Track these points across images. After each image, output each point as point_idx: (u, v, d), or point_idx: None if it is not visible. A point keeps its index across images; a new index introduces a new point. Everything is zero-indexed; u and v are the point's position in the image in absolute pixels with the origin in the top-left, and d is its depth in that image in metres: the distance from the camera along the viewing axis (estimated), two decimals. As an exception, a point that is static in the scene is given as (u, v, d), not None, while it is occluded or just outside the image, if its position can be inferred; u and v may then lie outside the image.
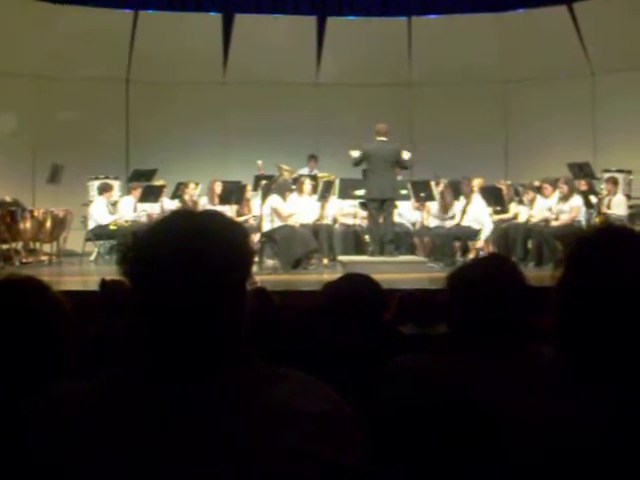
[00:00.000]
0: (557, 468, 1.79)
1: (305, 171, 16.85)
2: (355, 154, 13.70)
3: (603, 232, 2.00)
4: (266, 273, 12.79)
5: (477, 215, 14.51)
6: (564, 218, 14.05)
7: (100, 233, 15.07)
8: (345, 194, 15.03)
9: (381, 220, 13.64)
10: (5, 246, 14.22)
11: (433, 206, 15.18)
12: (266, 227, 13.90)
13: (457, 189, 15.02)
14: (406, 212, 15.40)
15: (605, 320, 1.82)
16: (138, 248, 1.71)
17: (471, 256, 14.43)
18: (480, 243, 14.54)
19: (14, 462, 1.70)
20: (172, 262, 1.64)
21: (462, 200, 14.85)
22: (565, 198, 14.13)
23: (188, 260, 1.64)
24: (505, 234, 14.53)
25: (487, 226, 14.52)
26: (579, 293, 1.88)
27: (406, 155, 13.73)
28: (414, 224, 15.55)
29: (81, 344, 2.50)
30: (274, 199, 14.08)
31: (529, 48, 18.72)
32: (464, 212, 14.56)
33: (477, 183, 15.27)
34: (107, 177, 16.30)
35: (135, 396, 1.66)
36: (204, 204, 14.98)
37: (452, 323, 3.05)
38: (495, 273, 2.93)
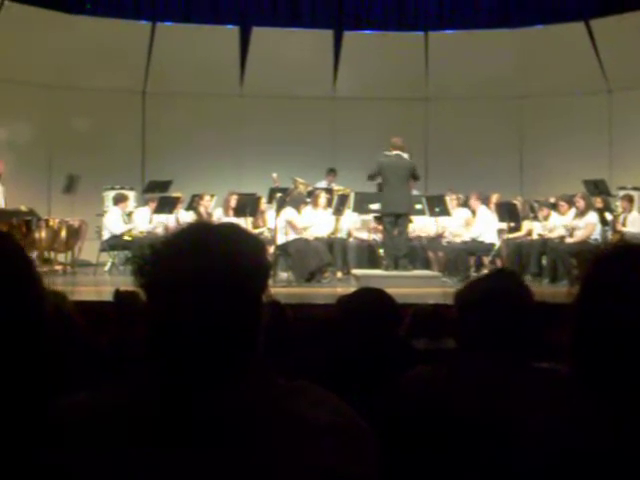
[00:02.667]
0: None
1: (323, 184, 16.83)
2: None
3: (620, 249, 2.00)
4: (280, 286, 12.78)
5: (482, 229, 14.62)
6: (579, 235, 14.03)
7: (115, 244, 15.11)
8: (360, 208, 15.07)
9: (396, 234, 13.64)
10: (20, 255, 14.24)
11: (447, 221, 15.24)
12: (280, 240, 13.91)
13: (466, 203, 15.27)
14: (420, 226, 15.41)
15: (621, 338, 1.82)
16: (154, 260, 1.70)
17: (485, 271, 14.46)
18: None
19: (26, 475, 1.69)
20: (189, 275, 1.63)
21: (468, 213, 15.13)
22: (581, 214, 14.11)
23: (205, 273, 1.63)
24: (519, 250, 14.52)
25: (491, 240, 14.64)
26: (595, 310, 1.87)
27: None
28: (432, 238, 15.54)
29: (89, 353, 2.50)
30: (289, 212, 14.11)
31: (546, 64, 18.71)
32: (467, 224, 14.75)
33: (494, 199, 15.36)
34: (122, 188, 16.34)
35: (148, 409, 1.65)
36: (219, 216, 15.01)
37: (459, 338, 3.06)
38: (502, 288, 2.94)
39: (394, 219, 13.61)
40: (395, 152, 13.56)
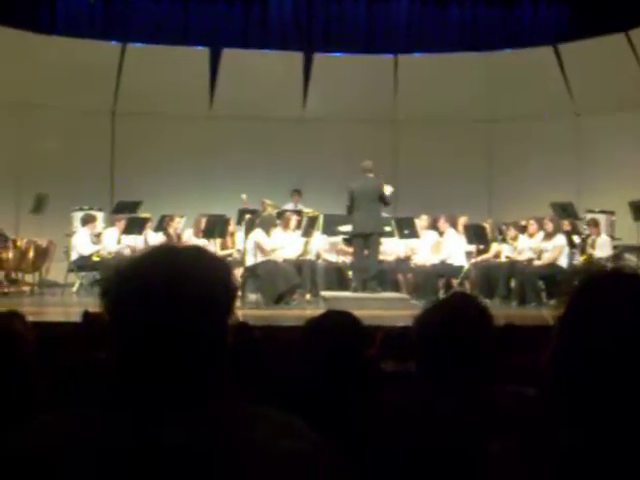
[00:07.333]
0: None
1: (290, 206, 16.84)
2: (388, 190, 13.88)
3: (612, 274, 1.89)
4: (248, 308, 12.77)
5: (451, 252, 14.75)
6: (547, 257, 14.11)
7: (83, 264, 15.01)
8: (329, 230, 15.08)
9: (366, 254, 13.75)
10: (-13, 275, 14.18)
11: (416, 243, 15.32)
12: (249, 261, 13.90)
13: (434, 225, 15.43)
14: (389, 248, 15.44)
15: (606, 367, 1.70)
16: (119, 282, 1.69)
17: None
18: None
19: None
20: (153, 297, 1.62)
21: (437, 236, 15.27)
22: (549, 237, 14.20)
23: (169, 296, 1.62)
24: (487, 273, 14.58)
25: (459, 263, 14.75)
26: (581, 334, 1.76)
27: (388, 190, 13.85)
28: (401, 260, 15.57)
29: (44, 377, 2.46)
30: (257, 233, 14.09)
31: (514, 88, 18.84)
32: (436, 247, 14.89)
33: (461, 221, 15.44)
34: (91, 208, 16.24)
35: (111, 434, 1.63)
36: (188, 237, 14.97)
37: (420, 363, 3.06)
38: (460, 312, 2.94)
39: (363, 240, 13.70)
40: (364, 175, 13.72)
